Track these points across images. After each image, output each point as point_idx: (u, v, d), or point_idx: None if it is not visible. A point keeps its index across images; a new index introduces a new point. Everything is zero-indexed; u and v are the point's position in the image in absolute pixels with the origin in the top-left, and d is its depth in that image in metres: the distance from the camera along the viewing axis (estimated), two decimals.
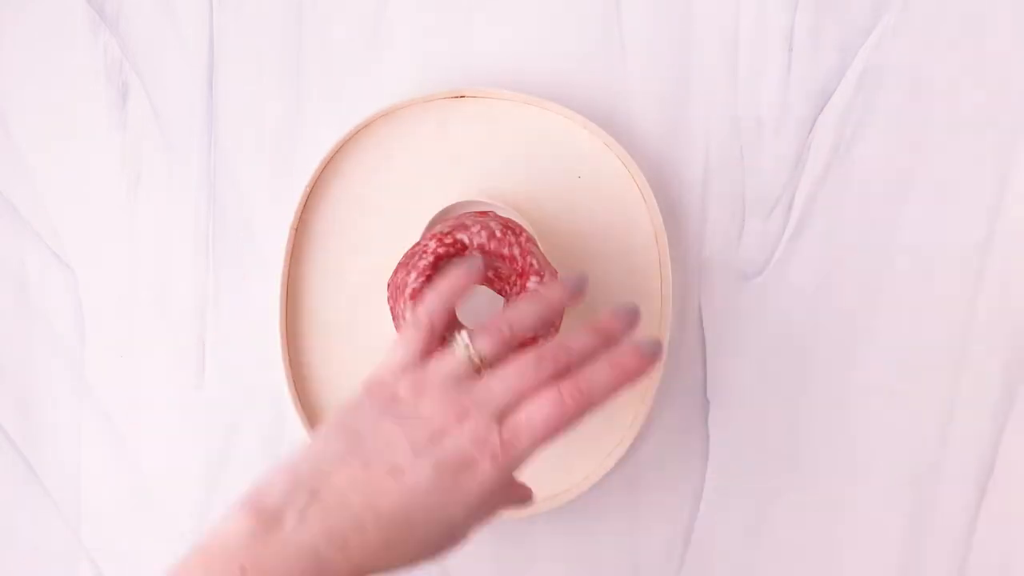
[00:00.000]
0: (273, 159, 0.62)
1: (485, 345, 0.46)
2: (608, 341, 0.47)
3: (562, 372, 0.45)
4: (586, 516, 0.62)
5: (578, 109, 0.60)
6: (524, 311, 0.48)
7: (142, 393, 0.63)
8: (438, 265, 0.53)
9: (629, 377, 0.46)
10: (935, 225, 0.61)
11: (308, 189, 0.59)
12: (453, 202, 0.58)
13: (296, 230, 0.59)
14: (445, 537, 0.45)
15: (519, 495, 0.50)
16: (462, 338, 0.46)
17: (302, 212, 0.59)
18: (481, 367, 0.46)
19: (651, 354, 0.46)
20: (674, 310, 0.61)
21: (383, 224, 0.60)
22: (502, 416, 0.44)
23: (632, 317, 0.48)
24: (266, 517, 0.42)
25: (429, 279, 0.53)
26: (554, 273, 0.55)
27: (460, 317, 0.58)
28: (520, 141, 0.60)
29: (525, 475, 0.61)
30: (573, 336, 0.47)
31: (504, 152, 0.60)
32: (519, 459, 0.44)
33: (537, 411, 0.44)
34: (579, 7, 0.61)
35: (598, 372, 0.45)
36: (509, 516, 0.60)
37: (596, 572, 0.62)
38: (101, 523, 0.64)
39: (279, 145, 0.62)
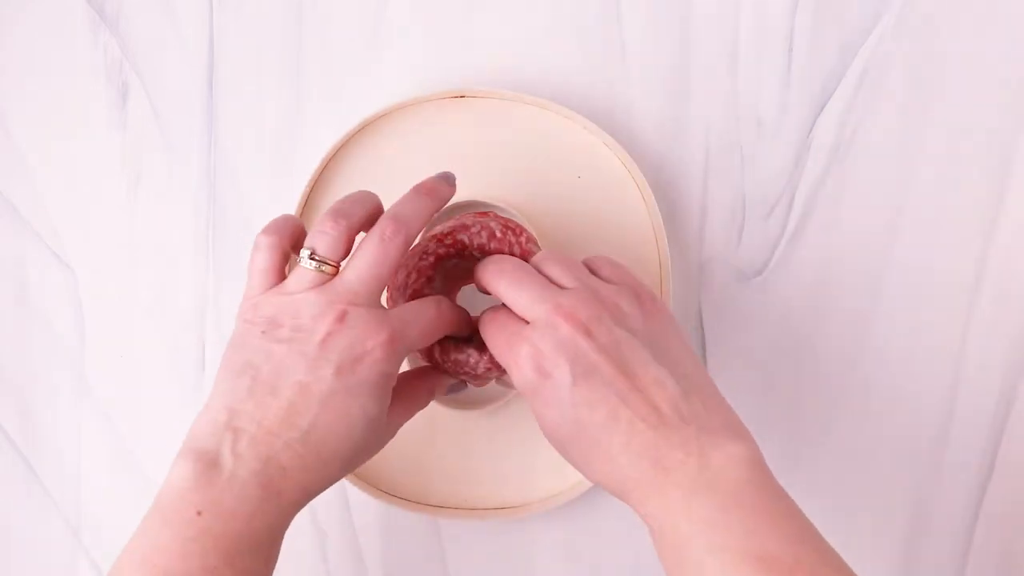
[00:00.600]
0: (273, 159, 0.62)
1: (325, 251, 0.47)
2: (434, 200, 0.50)
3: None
4: (586, 516, 0.62)
5: (578, 109, 0.60)
6: (348, 202, 0.49)
7: (142, 393, 0.63)
8: (438, 266, 0.53)
9: (433, 198, 0.49)
10: (935, 225, 0.61)
11: (308, 189, 0.59)
12: (453, 202, 0.58)
13: None
14: (371, 433, 0.47)
15: (437, 383, 0.53)
16: (305, 254, 0.48)
17: (302, 212, 0.59)
18: (335, 269, 0.48)
19: (448, 178, 0.51)
20: (674, 310, 0.61)
21: None
22: (374, 293, 0.47)
23: (449, 177, 0.51)
24: (205, 461, 0.44)
25: (429, 280, 0.53)
26: None
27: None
28: (520, 141, 0.60)
29: (527, 471, 0.61)
30: (402, 203, 0.49)
31: (504, 152, 0.60)
32: (411, 338, 0.47)
33: (361, 258, 0.47)
34: (579, 7, 0.61)
35: (408, 202, 0.49)
36: (508, 515, 0.60)
37: (596, 572, 0.62)
38: (101, 523, 0.64)
39: (279, 145, 0.62)
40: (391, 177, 0.60)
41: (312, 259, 0.47)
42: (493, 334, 0.48)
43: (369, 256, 0.47)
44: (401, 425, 0.51)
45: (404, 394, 0.51)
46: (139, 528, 0.45)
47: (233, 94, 0.62)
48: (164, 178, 0.63)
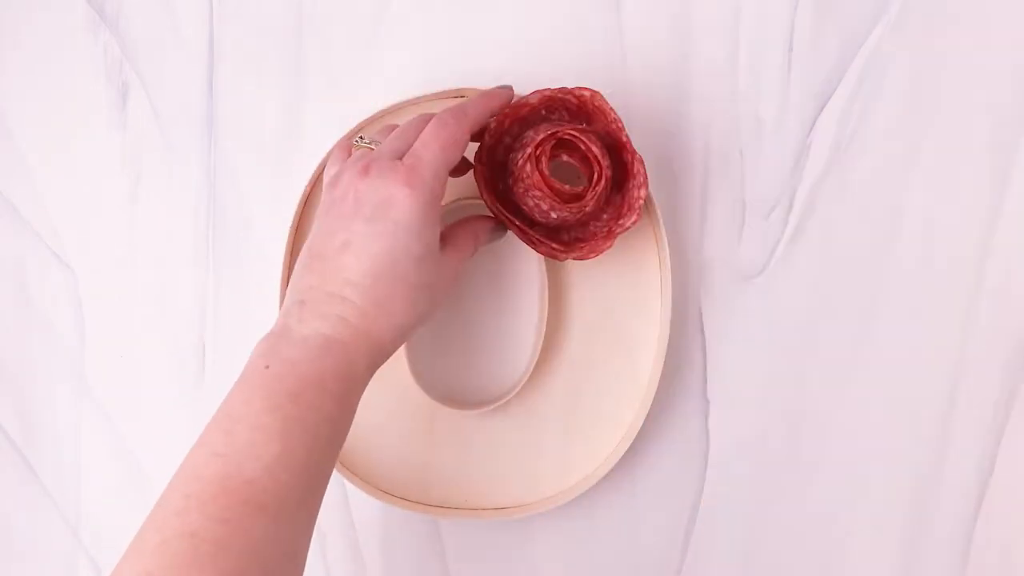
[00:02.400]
0: (273, 159, 0.62)
1: (376, 135, 0.53)
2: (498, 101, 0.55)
3: None
4: (586, 516, 0.62)
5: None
6: (414, 121, 0.53)
7: (142, 393, 0.63)
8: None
9: (494, 100, 0.54)
10: (935, 225, 0.61)
11: (308, 189, 0.59)
12: (453, 199, 0.58)
13: (296, 230, 0.59)
14: (423, 271, 0.49)
15: (482, 226, 0.56)
16: (357, 137, 0.53)
17: (302, 212, 0.59)
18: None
19: (508, 88, 0.56)
20: (674, 310, 0.61)
21: None
22: (401, 155, 0.50)
23: (507, 90, 0.56)
24: (276, 334, 0.48)
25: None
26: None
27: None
28: None
29: (527, 471, 0.61)
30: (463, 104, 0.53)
31: None
32: (428, 174, 0.49)
33: (427, 134, 0.50)
34: (579, 7, 0.61)
35: (470, 101, 0.53)
36: (508, 515, 0.60)
37: (596, 572, 0.62)
38: (101, 523, 0.64)
39: (279, 145, 0.62)
40: None
41: (361, 139, 0.53)
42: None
43: (427, 132, 0.51)
44: (457, 269, 0.52)
45: (451, 241, 0.53)
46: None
47: (233, 94, 0.62)
48: (164, 178, 0.63)
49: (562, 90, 0.55)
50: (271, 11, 0.62)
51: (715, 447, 0.62)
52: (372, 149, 0.52)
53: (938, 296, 0.61)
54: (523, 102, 0.56)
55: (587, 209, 0.55)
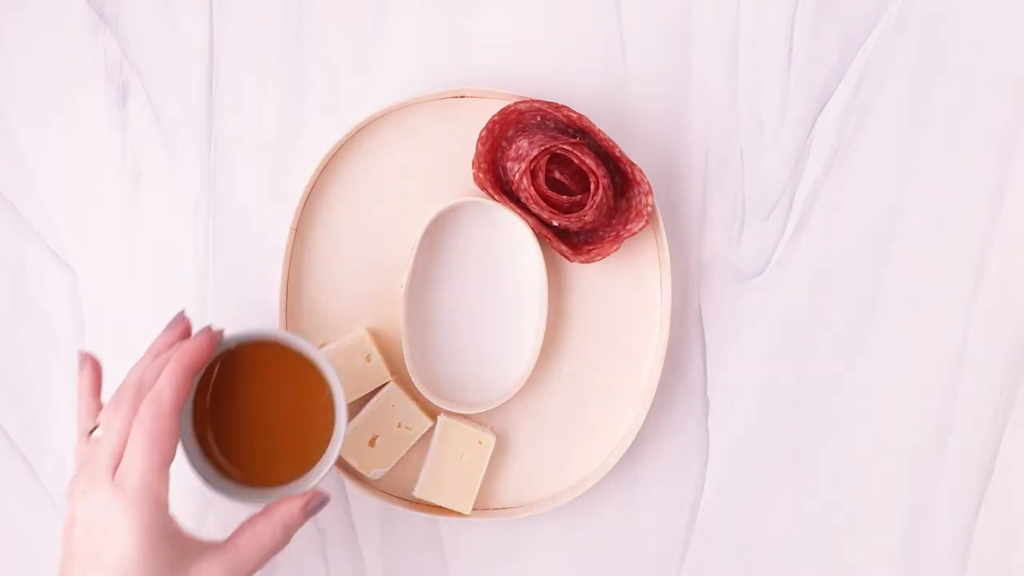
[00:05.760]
0: (273, 159, 0.62)
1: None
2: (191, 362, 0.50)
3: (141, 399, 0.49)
4: (586, 516, 0.62)
5: (578, 109, 0.60)
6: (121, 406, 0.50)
7: None
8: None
9: (185, 360, 0.49)
10: (935, 225, 0.61)
11: (308, 189, 0.59)
12: (453, 202, 0.58)
13: (296, 230, 0.59)
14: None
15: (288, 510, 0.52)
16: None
17: (302, 212, 0.59)
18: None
19: (203, 333, 0.51)
20: (674, 310, 0.61)
21: (383, 224, 0.60)
22: (114, 468, 0.48)
23: (182, 319, 0.53)
24: None
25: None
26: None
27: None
28: None
29: (527, 471, 0.61)
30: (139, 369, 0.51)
31: None
32: (143, 493, 0.47)
33: (132, 447, 0.48)
34: (579, 7, 0.61)
35: (160, 376, 0.49)
36: (508, 515, 0.60)
37: (596, 572, 0.62)
38: None
39: (279, 145, 0.62)
40: (391, 177, 0.60)
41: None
42: None
43: (132, 444, 0.48)
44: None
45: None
46: None
47: (233, 94, 0.62)
48: (164, 178, 0.63)
49: (552, 104, 0.56)
50: (271, 11, 0.62)
51: (715, 446, 0.62)
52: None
53: (938, 295, 0.61)
54: (512, 108, 0.57)
55: (587, 219, 0.56)
